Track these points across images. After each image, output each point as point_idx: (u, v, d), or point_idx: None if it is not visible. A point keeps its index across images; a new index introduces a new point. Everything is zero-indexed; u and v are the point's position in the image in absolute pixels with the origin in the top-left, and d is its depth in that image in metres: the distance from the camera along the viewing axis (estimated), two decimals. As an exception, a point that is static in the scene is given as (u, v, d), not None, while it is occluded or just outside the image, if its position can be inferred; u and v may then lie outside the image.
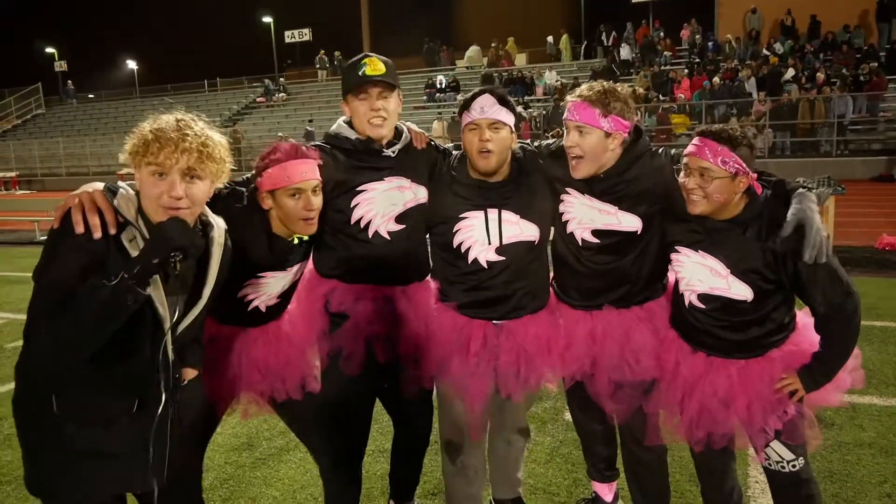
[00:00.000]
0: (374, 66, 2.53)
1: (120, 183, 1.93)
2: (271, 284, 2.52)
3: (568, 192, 2.64)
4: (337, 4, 39.76)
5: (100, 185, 1.88)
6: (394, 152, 2.64)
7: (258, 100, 32.94)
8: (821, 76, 19.24)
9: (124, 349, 1.85)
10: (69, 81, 40.25)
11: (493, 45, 28.98)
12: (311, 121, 25.46)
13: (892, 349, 5.04)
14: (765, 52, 22.50)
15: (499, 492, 3.00)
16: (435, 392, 2.87)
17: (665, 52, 24.96)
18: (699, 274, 2.42)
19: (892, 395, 4.27)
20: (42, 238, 12.70)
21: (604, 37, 27.11)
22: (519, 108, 20.51)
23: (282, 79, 35.36)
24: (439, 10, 38.64)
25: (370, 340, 2.64)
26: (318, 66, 33.39)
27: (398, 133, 2.68)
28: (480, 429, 2.82)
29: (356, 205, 2.60)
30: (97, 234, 1.76)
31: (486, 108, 2.51)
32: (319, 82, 32.93)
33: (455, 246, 2.64)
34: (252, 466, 3.78)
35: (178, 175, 1.83)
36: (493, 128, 2.51)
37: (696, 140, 2.32)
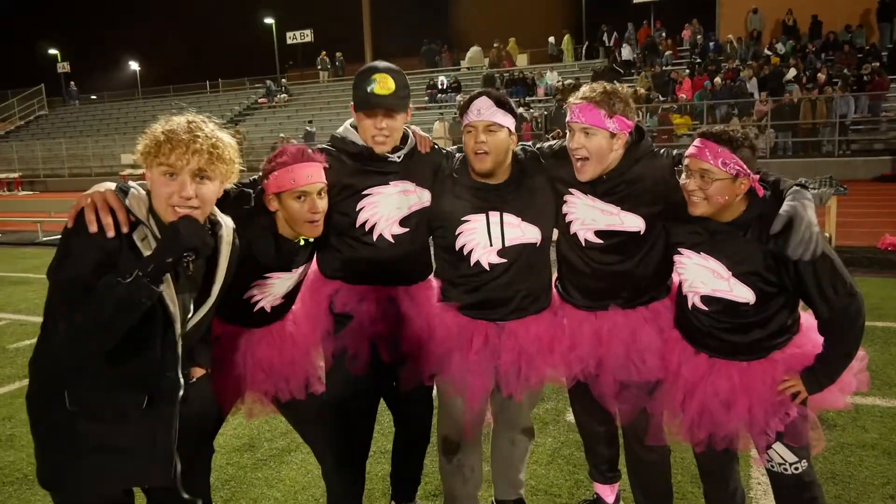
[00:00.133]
0: (384, 83, 2.52)
1: (131, 183, 1.96)
2: (277, 285, 2.54)
3: (571, 193, 2.64)
4: (338, 5, 39.79)
5: (112, 185, 1.92)
6: (399, 157, 2.65)
7: (260, 101, 32.99)
8: (822, 76, 19.22)
9: (136, 346, 1.88)
10: (72, 83, 40.39)
11: (494, 45, 28.99)
12: (310, 122, 25.49)
13: (894, 350, 5.04)
14: (766, 52, 22.48)
15: (501, 492, 3.00)
16: (435, 390, 2.88)
17: (666, 53, 24.94)
18: (701, 276, 2.42)
19: (895, 396, 4.27)
20: (44, 239, 12.73)
21: (605, 37, 27.10)
22: (520, 110, 20.59)
23: (283, 80, 35.39)
24: (441, 11, 38.69)
25: (374, 340, 2.66)
26: (319, 67, 33.40)
27: (403, 137, 2.70)
28: (478, 427, 2.82)
29: (361, 208, 2.62)
30: (110, 234, 1.80)
31: (483, 110, 2.52)
32: (321, 83, 32.96)
33: (457, 248, 2.65)
34: (253, 467, 3.78)
35: (189, 175, 1.88)
36: (489, 130, 2.52)
37: (697, 141, 2.31)
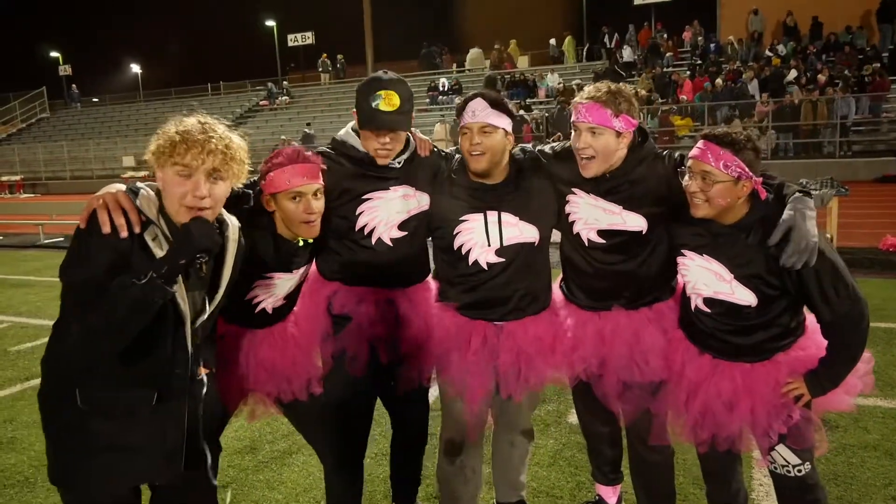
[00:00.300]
0: (390, 99, 2.51)
1: (139, 184, 1.99)
2: (278, 286, 2.56)
3: (574, 192, 2.65)
4: (339, 8, 39.79)
5: (122, 187, 1.94)
6: (399, 163, 2.66)
7: (261, 103, 33.01)
8: (823, 77, 19.20)
9: (147, 344, 1.91)
10: (73, 85, 40.43)
11: (495, 47, 29.00)
12: (308, 124, 25.57)
13: (896, 351, 5.03)
14: (767, 53, 22.48)
15: (502, 495, 3.00)
16: (437, 392, 2.88)
17: (667, 54, 24.95)
18: (704, 278, 2.41)
19: (897, 397, 4.26)
20: (46, 241, 12.73)
21: (606, 38, 27.11)
22: (521, 111, 20.59)
23: (285, 82, 35.41)
24: (442, 13, 38.73)
25: (373, 342, 2.67)
26: (320, 69, 33.44)
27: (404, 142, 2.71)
28: (479, 428, 2.83)
29: (361, 212, 2.63)
30: (123, 234, 1.83)
31: (478, 112, 2.54)
32: (322, 85, 33.00)
33: (456, 248, 2.66)
34: (255, 470, 3.78)
35: (203, 175, 1.91)
36: (484, 131, 2.53)
37: (699, 143, 2.31)
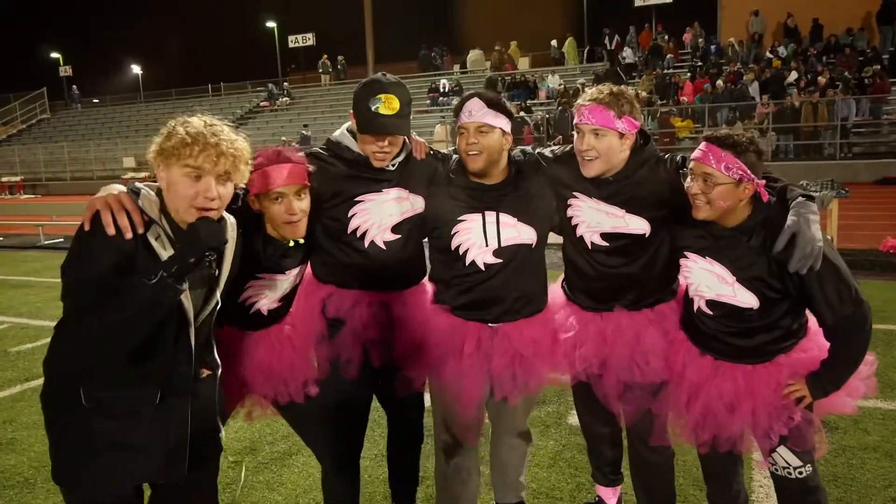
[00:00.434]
0: (389, 103, 2.48)
1: (139, 184, 1.99)
2: (271, 287, 2.54)
3: (575, 197, 2.65)
4: (340, 9, 39.82)
5: (122, 187, 1.94)
6: (394, 165, 2.64)
7: (262, 104, 33.05)
8: (823, 79, 19.21)
9: (150, 342, 1.91)
10: (74, 86, 40.48)
11: (495, 48, 29.00)
12: (306, 126, 25.64)
13: (896, 353, 5.03)
14: (767, 55, 22.49)
15: (501, 496, 3.00)
16: (430, 394, 2.87)
17: (668, 56, 24.96)
18: (707, 280, 2.41)
19: (897, 398, 4.26)
20: (46, 242, 12.73)
21: (606, 40, 27.12)
22: (521, 113, 20.61)
23: (285, 83, 35.44)
24: (442, 14, 38.75)
25: (367, 345, 2.67)
26: (321, 70, 33.47)
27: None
28: (475, 431, 2.82)
29: (353, 215, 2.61)
30: (128, 235, 1.83)
31: (474, 111, 2.53)
32: (323, 87, 33.03)
33: (453, 248, 2.65)
34: (255, 471, 3.78)
35: (214, 177, 1.92)
36: (481, 131, 2.52)
37: (701, 145, 2.31)
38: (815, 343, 2.39)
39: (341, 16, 39.30)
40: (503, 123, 2.55)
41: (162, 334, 1.94)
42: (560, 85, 23.91)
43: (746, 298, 2.32)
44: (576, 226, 2.67)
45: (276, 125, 29.74)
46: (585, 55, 28.48)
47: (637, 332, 2.64)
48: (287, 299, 2.64)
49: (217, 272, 2.11)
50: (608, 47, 26.94)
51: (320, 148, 2.71)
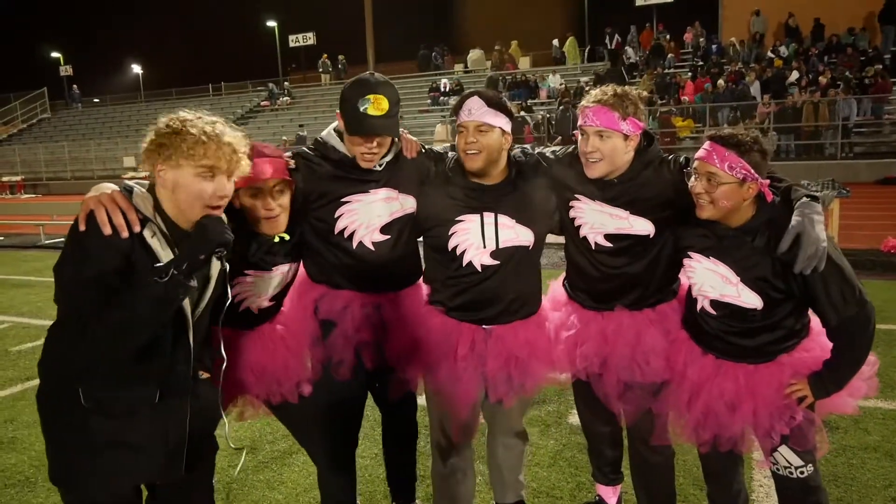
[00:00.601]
0: (378, 104, 2.45)
1: (130, 182, 1.98)
2: (259, 285, 2.52)
3: (578, 199, 2.64)
4: (341, 8, 39.83)
5: (114, 186, 1.93)
6: (381, 165, 2.61)
7: (262, 104, 33.05)
8: (825, 79, 19.18)
9: (150, 341, 1.91)
10: (74, 86, 40.47)
11: (496, 48, 28.98)
12: (301, 126, 25.70)
13: (897, 352, 5.03)
14: (769, 54, 22.46)
15: (500, 496, 3.00)
16: (425, 395, 2.86)
17: (669, 56, 24.93)
18: (711, 280, 2.41)
19: (898, 398, 4.26)
20: (47, 242, 12.75)
21: (607, 39, 27.10)
22: (522, 112, 20.59)
23: (286, 83, 35.44)
24: (443, 13, 38.72)
25: (359, 348, 2.65)
26: (321, 69, 33.45)
27: None
28: (469, 432, 2.82)
29: (340, 215, 2.59)
30: (124, 234, 1.82)
31: (474, 110, 2.51)
32: (323, 86, 33.01)
33: (450, 249, 2.63)
34: (255, 470, 3.78)
35: (226, 176, 1.93)
36: (480, 130, 2.50)
37: (705, 144, 2.31)
38: (818, 343, 2.39)
39: (342, 15, 39.32)
40: (503, 123, 2.52)
41: (161, 333, 1.93)
42: (561, 84, 23.88)
43: (750, 299, 2.32)
44: (579, 227, 2.66)
45: (277, 124, 29.73)
46: (586, 54, 28.44)
47: (638, 331, 2.64)
48: (278, 298, 2.63)
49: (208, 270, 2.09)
50: (609, 47, 26.92)
51: (307, 148, 2.68)
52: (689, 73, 22.50)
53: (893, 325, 5.69)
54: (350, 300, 2.66)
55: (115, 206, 1.84)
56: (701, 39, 25.56)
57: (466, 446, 2.86)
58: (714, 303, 2.42)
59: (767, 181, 2.27)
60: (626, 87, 2.54)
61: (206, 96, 36.25)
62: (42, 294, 8.61)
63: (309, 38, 36.47)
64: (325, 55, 33.44)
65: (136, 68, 47.38)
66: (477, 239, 2.60)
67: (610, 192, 2.57)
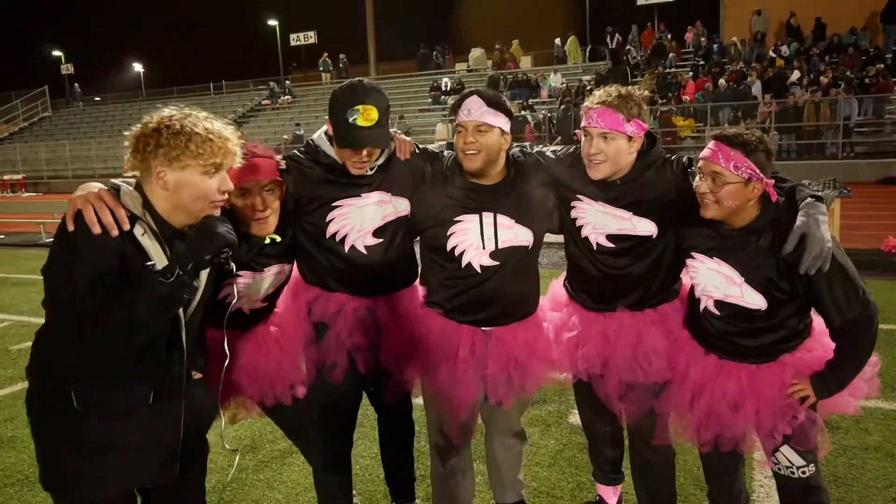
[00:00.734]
0: (367, 114, 2.40)
1: (117, 181, 1.95)
2: (250, 286, 2.50)
3: (580, 200, 2.62)
4: (342, 7, 39.84)
5: (100, 185, 1.90)
6: (372, 169, 2.58)
7: (263, 102, 33.04)
8: (826, 79, 19.15)
9: (149, 341, 1.89)
10: (75, 84, 40.45)
11: (497, 47, 28.97)
12: (297, 125, 25.78)
13: (898, 353, 5.02)
14: (770, 54, 22.44)
15: (500, 496, 2.99)
16: (423, 397, 2.86)
17: (670, 55, 24.91)
18: (714, 281, 2.40)
19: (899, 398, 4.25)
20: (48, 240, 12.73)
21: (608, 39, 27.08)
22: (523, 112, 20.58)
23: (287, 81, 35.44)
24: (444, 12, 38.70)
25: (352, 351, 2.65)
26: (322, 68, 33.45)
27: None
28: (467, 433, 2.81)
29: (331, 220, 2.57)
30: (114, 233, 1.80)
31: (473, 110, 2.49)
32: (324, 85, 33.00)
33: (448, 249, 2.61)
34: (255, 469, 3.78)
35: (227, 174, 1.94)
36: (479, 130, 2.48)
37: (710, 144, 2.30)
38: (820, 343, 2.39)
39: (343, 14, 39.35)
40: (502, 123, 2.51)
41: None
42: (562, 83, 23.87)
43: (754, 299, 2.31)
44: (580, 227, 2.64)
45: (278, 123, 29.73)
46: (588, 54, 28.43)
47: (640, 332, 2.63)
48: (271, 299, 2.61)
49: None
50: (610, 46, 26.90)
51: (299, 151, 2.66)
52: (691, 73, 22.48)
53: (894, 325, 5.68)
54: (343, 303, 2.65)
55: (102, 205, 1.81)
56: (702, 39, 25.54)
57: (465, 447, 2.86)
58: (718, 303, 2.41)
59: (772, 181, 2.26)
60: (630, 88, 2.52)
61: (207, 95, 36.23)
62: (43, 293, 8.59)
63: (310, 37, 36.47)
64: (326, 54, 33.46)
65: (138, 67, 47.38)
66: (476, 239, 2.59)
67: (612, 193, 2.56)
